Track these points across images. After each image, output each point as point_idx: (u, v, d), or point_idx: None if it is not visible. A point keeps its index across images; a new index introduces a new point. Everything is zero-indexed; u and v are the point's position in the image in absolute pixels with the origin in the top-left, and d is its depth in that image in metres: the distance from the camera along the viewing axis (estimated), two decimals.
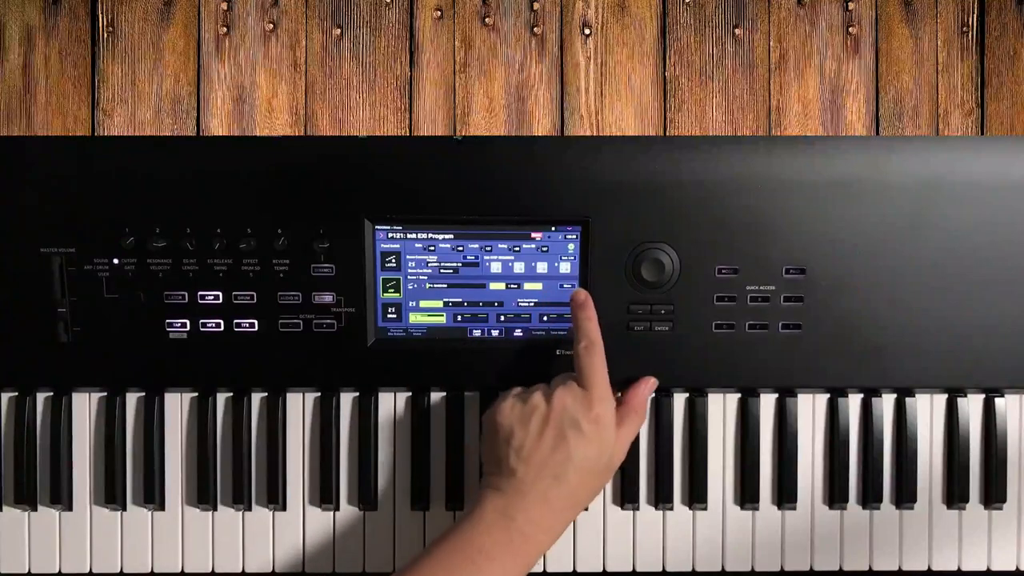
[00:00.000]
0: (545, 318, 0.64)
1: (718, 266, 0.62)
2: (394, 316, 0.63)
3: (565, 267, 0.63)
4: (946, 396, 0.65)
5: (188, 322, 0.62)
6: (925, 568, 0.65)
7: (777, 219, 0.61)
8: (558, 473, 0.55)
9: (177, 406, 0.65)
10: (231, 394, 0.65)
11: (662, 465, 0.64)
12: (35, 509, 0.64)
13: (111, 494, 0.64)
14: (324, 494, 0.64)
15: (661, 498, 0.64)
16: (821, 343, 0.62)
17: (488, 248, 0.63)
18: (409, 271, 0.63)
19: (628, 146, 0.62)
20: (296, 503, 0.64)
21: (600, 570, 0.65)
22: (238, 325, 0.62)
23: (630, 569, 0.65)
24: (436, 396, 0.65)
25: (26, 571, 0.64)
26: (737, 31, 0.74)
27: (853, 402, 0.65)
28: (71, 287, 0.62)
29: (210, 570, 0.64)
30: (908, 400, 0.64)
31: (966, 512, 0.65)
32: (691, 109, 0.74)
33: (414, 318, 0.64)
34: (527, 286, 0.63)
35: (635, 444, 0.64)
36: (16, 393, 0.64)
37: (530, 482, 0.55)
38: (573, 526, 0.64)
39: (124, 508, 0.64)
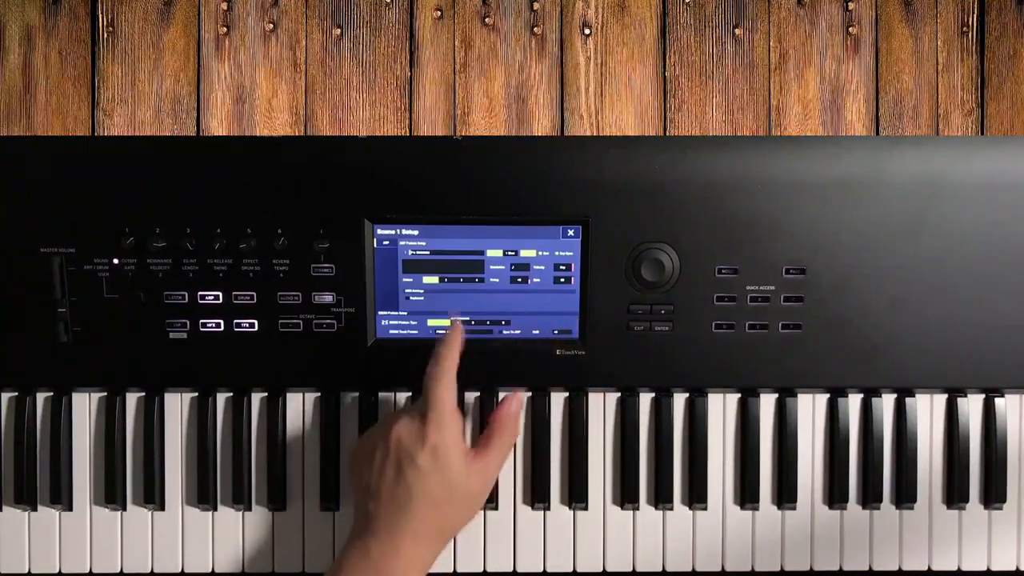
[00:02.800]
0: (545, 318, 0.64)
1: (718, 266, 0.62)
2: (394, 316, 0.63)
3: (565, 267, 0.63)
4: (946, 396, 0.65)
5: (188, 322, 0.62)
6: (925, 568, 0.65)
7: (777, 219, 0.61)
8: (403, 505, 0.55)
9: (177, 406, 0.65)
10: (231, 394, 0.65)
11: (662, 465, 0.64)
12: (35, 509, 0.64)
13: (111, 494, 0.64)
14: (324, 495, 0.64)
15: (661, 498, 0.64)
16: (821, 343, 0.62)
17: (488, 248, 0.63)
18: (409, 271, 0.63)
19: (628, 146, 0.62)
20: (296, 503, 0.64)
21: (600, 570, 0.65)
22: (238, 325, 0.62)
23: (630, 569, 0.65)
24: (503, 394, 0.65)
25: (26, 571, 0.64)
26: (737, 31, 0.74)
27: (853, 402, 0.65)
28: (71, 287, 0.62)
29: (210, 570, 0.64)
30: (908, 400, 0.64)
31: (966, 512, 0.65)
32: (691, 109, 0.74)
33: (414, 318, 0.64)
34: (527, 286, 0.63)
35: (635, 444, 0.64)
36: (16, 393, 0.64)
37: (381, 517, 0.55)
38: (573, 526, 0.64)
39: (124, 508, 0.64)
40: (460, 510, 0.57)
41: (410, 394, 0.65)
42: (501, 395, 0.65)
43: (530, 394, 0.65)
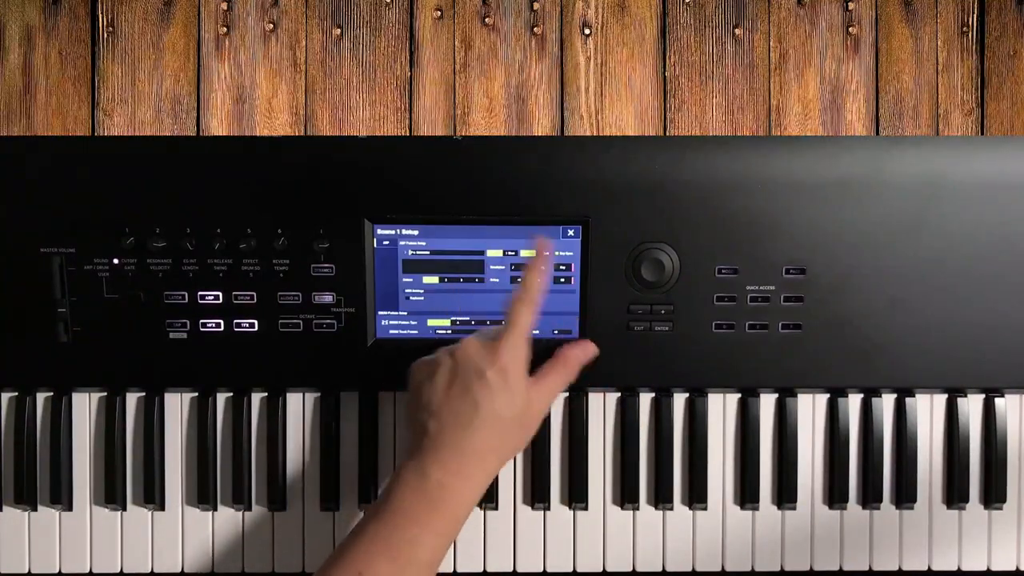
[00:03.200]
0: (545, 318, 0.64)
1: (718, 266, 0.62)
2: (394, 316, 0.63)
3: (565, 267, 0.63)
4: (946, 396, 0.65)
5: (188, 322, 0.62)
6: (925, 568, 0.65)
7: (777, 219, 0.61)
8: (467, 423, 0.54)
9: (177, 406, 0.65)
10: (231, 394, 0.65)
11: (662, 465, 0.64)
12: (35, 509, 0.64)
13: (111, 494, 0.64)
14: (324, 495, 0.64)
15: (661, 498, 0.64)
16: (821, 343, 0.62)
17: (488, 248, 0.63)
18: (409, 271, 0.63)
19: (628, 146, 0.62)
20: (296, 503, 0.64)
21: (600, 570, 0.65)
22: (238, 325, 0.62)
23: (630, 569, 0.65)
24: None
25: (26, 571, 0.64)
26: (737, 31, 0.74)
27: (853, 402, 0.65)
28: (71, 287, 0.62)
29: (210, 570, 0.64)
30: (908, 400, 0.64)
31: (966, 512, 0.65)
32: (691, 109, 0.74)
33: (414, 318, 0.64)
34: None
35: (635, 444, 0.64)
36: (16, 393, 0.64)
37: (441, 435, 0.55)
38: (573, 526, 0.65)
39: (124, 508, 0.64)
40: (519, 432, 0.57)
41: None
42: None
43: None
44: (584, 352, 0.61)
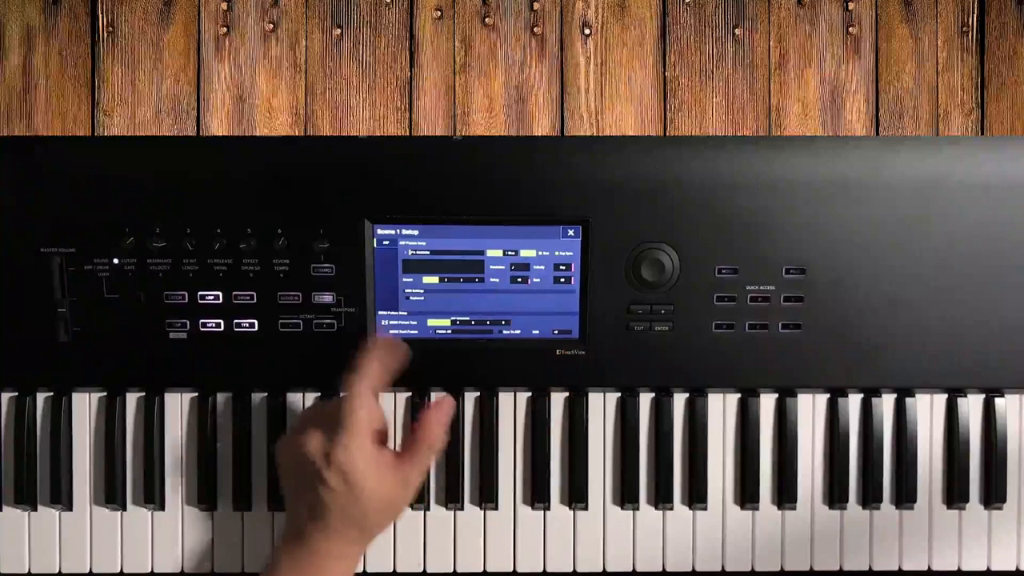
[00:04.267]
0: (545, 318, 0.64)
1: (718, 266, 0.62)
2: (394, 316, 0.63)
3: (565, 267, 0.63)
4: (946, 396, 0.65)
5: (188, 322, 0.62)
6: (925, 568, 0.65)
7: (777, 219, 0.61)
8: (320, 516, 0.54)
9: (177, 406, 0.65)
10: (231, 394, 0.65)
11: (662, 465, 0.64)
12: (35, 509, 0.64)
13: (111, 494, 0.64)
14: None
15: (661, 498, 0.64)
16: (821, 343, 0.62)
17: (488, 248, 0.63)
18: (409, 271, 0.63)
19: (628, 146, 0.62)
20: None
21: (600, 570, 0.65)
22: (238, 325, 0.62)
23: (630, 569, 0.65)
24: (436, 396, 0.65)
25: (26, 571, 0.64)
26: (737, 31, 0.74)
27: (853, 402, 0.65)
28: (71, 287, 0.62)
29: (210, 570, 0.64)
30: (908, 400, 0.64)
31: (966, 512, 0.65)
32: (691, 109, 0.74)
33: (414, 318, 0.64)
34: (527, 286, 0.63)
35: (635, 444, 0.64)
36: (16, 393, 0.64)
37: (305, 527, 0.55)
38: (573, 526, 0.65)
39: (124, 508, 0.64)
40: (379, 517, 0.56)
41: (410, 394, 0.65)
42: (501, 395, 0.65)
43: (530, 394, 0.65)
44: (443, 413, 0.56)
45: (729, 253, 0.62)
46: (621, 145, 0.62)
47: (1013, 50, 0.74)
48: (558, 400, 0.65)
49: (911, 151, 0.61)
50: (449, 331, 0.64)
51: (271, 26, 0.74)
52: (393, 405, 0.65)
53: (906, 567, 0.65)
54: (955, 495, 0.64)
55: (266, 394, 0.64)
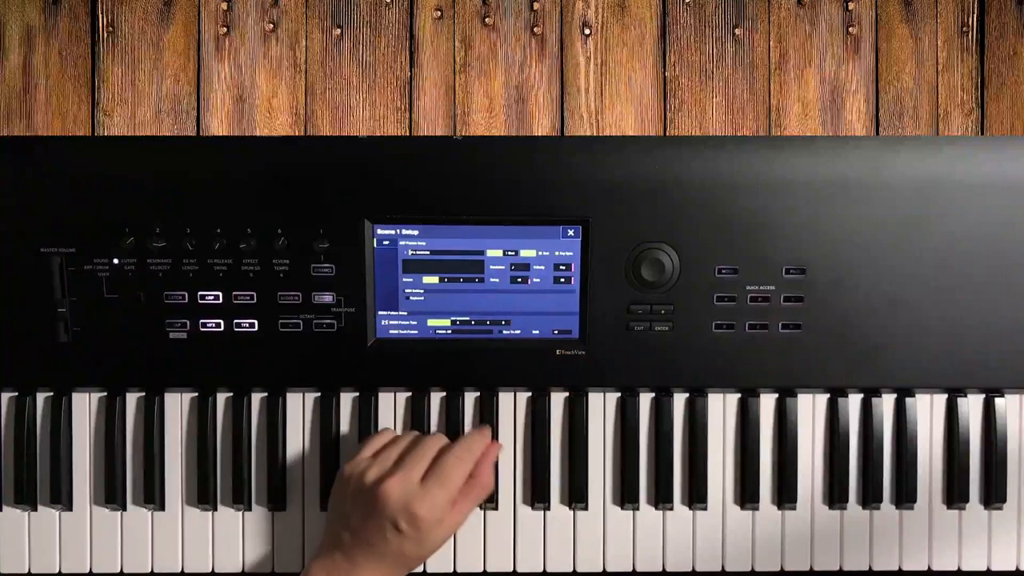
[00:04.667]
0: (545, 318, 0.64)
1: (718, 266, 0.62)
2: (394, 316, 0.63)
3: (565, 267, 0.63)
4: (946, 396, 0.65)
5: (188, 322, 0.62)
6: (925, 568, 0.65)
7: (777, 219, 0.61)
8: (377, 553, 0.56)
9: (177, 406, 0.65)
10: (231, 394, 0.65)
11: (662, 465, 0.64)
12: (35, 509, 0.64)
13: (111, 494, 0.64)
14: (325, 495, 0.64)
15: (661, 498, 0.64)
16: (821, 343, 0.62)
17: (488, 248, 0.63)
18: (409, 271, 0.63)
19: (628, 146, 0.62)
20: (296, 503, 0.64)
21: (600, 570, 0.65)
22: (238, 325, 0.62)
23: (630, 569, 0.65)
24: (436, 396, 0.65)
25: (26, 571, 0.64)
26: (737, 31, 0.74)
27: (853, 402, 0.65)
28: (71, 287, 0.62)
29: (210, 570, 0.64)
30: (908, 400, 0.64)
31: (966, 512, 0.65)
32: (691, 109, 0.74)
33: (414, 318, 0.64)
34: (527, 286, 0.63)
35: (635, 444, 0.64)
36: (16, 393, 0.64)
37: (353, 551, 0.57)
38: (573, 526, 0.65)
39: (124, 508, 0.64)
40: (426, 556, 0.59)
41: (410, 394, 0.65)
42: (501, 395, 0.65)
43: (530, 394, 0.65)
44: (492, 456, 0.62)
45: (729, 253, 0.62)
46: (621, 145, 0.62)
47: (1013, 50, 0.74)
48: (558, 400, 0.65)
49: (911, 151, 0.61)
50: (449, 331, 0.64)
51: (271, 26, 0.74)
52: (393, 405, 0.65)
53: (906, 567, 0.65)
54: (955, 495, 0.64)
55: (266, 394, 0.64)
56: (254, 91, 0.74)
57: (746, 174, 0.61)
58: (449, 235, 0.62)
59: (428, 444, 0.59)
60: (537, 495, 0.64)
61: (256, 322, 0.62)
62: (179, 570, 0.64)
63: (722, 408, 0.65)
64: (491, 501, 0.64)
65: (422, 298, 0.63)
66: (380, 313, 0.63)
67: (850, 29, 0.74)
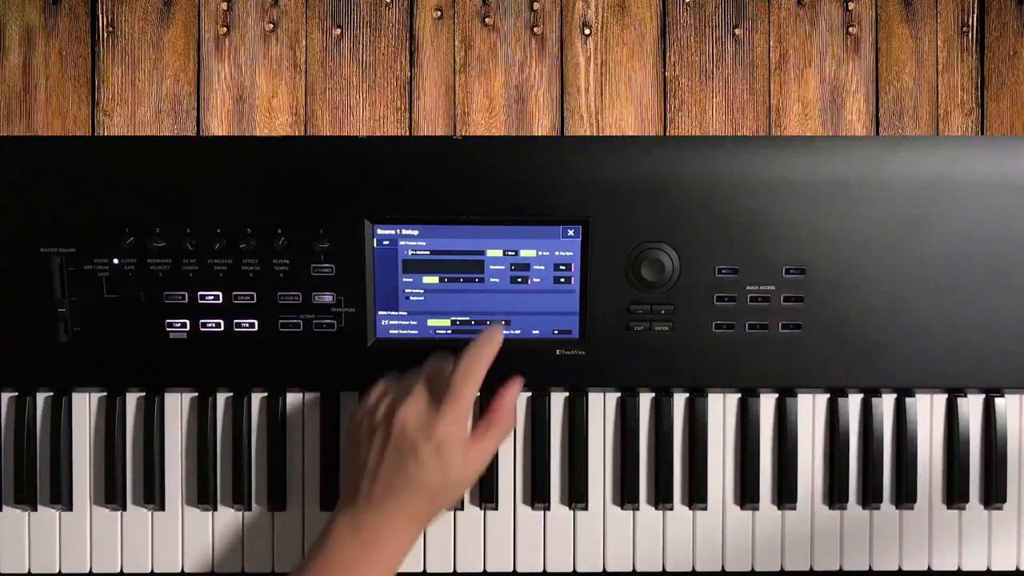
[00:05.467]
0: (545, 318, 0.64)
1: (718, 266, 0.62)
2: (394, 316, 0.63)
3: (565, 267, 0.63)
4: (946, 396, 0.65)
5: (188, 322, 0.62)
6: (925, 568, 0.65)
7: (777, 219, 0.61)
8: (400, 490, 0.55)
9: (177, 406, 0.65)
10: (231, 394, 0.65)
11: (662, 465, 0.64)
12: (35, 509, 0.64)
13: (111, 494, 0.64)
14: (324, 495, 0.64)
15: (661, 498, 0.64)
16: (821, 343, 0.62)
17: (488, 248, 0.63)
18: (409, 271, 0.63)
19: (628, 146, 0.62)
20: (296, 503, 0.64)
21: (600, 570, 0.65)
22: (238, 325, 0.62)
23: (630, 569, 0.65)
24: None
25: (26, 571, 0.64)
26: (737, 31, 0.74)
27: (853, 402, 0.65)
28: (71, 287, 0.62)
29: (210, 570, 0.64)
30: (908, 400, 0.64)
31: (966, 512, 0.65)
32: (691, 109, 0.74)
33: (414, 318, 0.64)
34: (527, 286, 0.63)
35: (635, 444, 0.64)
36: (16, 393, 0.64)
37: (376, 497, 0.55)
38: (573, 526, 0.65)
39: (124, 508, 0.64)
40: (454, 493, 0.58)
41: None
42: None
43: (530, 394, 0.65)
44: (514, 393, 0.60)
45: (729, 253, 0.62)
46: (621, 145, 0.62)
47: (1013, 50, 0.74)
48: (558, 400, 0.65)
49: (911, 151, 0.61)
50: (449, 331, 0.64)
51: (271, 26, 0.74)
52: None
53: (906, 567, 0.65)
54: (955, 495, 0.64)
55: (266, 394, 0.64)
56: (254, 91, 0.74)
57: (746, 174, 0.61)
58: (449, 235, 0.62)
59: (432, 368, 0.59)
60: (537, 495, 0.64)
61: (256, 322, 0.62)
62: (179, 570, 0.64)
63: (722, 408, 0.65)
64: (491, 501, 0.64)
65: (422, 298, 0.63)
66: (380, 313, 0.63)
67: (850, 29, 0.74)
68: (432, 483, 0.55)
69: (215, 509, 0.64)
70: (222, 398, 0.65)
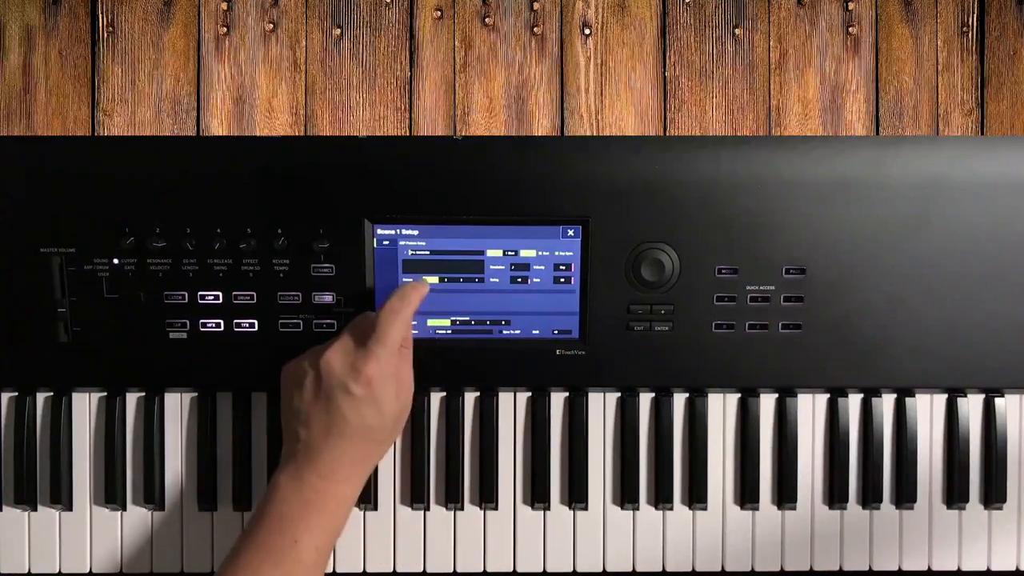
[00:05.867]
0: (545, 318, 0.64)
1: (718, 266, 0.62)
2: None
3: (565, 267, 0.63)
4: (946, 396, 0.65)
5: (188, 322, 0.62)
6: (925, 568, 0.65)
7: (777, 219, 0.61)
8: (337, 433, 0.55)
9: (177, 406, 0.65)
10: (231, 394, 0.65)
11: (662, 465, 0.64)
12: (35, 509, 0.64)
13: (111, 494, 0.64)
14: None
15: (661, 498, 0.64)
16: (821, 343, 0.62)
17: (488, 248, 0.63)
18: (409, 271, 0.63)
19: (628, 146, 0.62)
20: None
21: (600, 570, 0.65)
22: (238, 325, 0.62)
23: (630, 569, 0.65)
24: (436, 396, 0.65)
25: (26, 571, 0.64)
26: (737, 31, 0.74)
27: (853, 402, 0.65)
28: (71, 287, 0.62)
29: (210, 570, 0.64)
30: (908, 400, 0.64)
31: (966, 512, 0.65)
32: (691, 109, 0.74)
33: (414, 318, 0.63)
34: (527, 286, 0.63)
35: (635, 444, 0.64)
36: (16, 393, 0.64)
37: (313, 442, 0.56)
38: (573, 526, 0.65)
39: (124, 508, 0.64)
40: (392, 430, 0.58)
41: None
42: (501, 395, 0.65)
43: (530, 394, 0.65)
44: (397, 297, 0.58)
45: (729, 253, 0.62)
46: (621, 145, 0.62)
47: (1013, 50, 0.74)
48: (558, 400, 0.65)
49: (911, 151, 0.61)
50: (449, 331, 0.64)
51: (271, 26, 0.74)
52: None
53: (906, 567, 0.65)
54: (955, 495, 0.64)
55: (266, 394, 0.64)
56: (254, 91, 0.74)
57: (746, 174, 0.61)
58: (449, 235, 0.62)
59: (357, 320, 0.59)
60: (537, 495, 0.64)
61: (256, 322, 0.62)
62: (179, 570, 0.64)
63: (722, 408, 0.65)
64: (491, 501, 0.64)
65: None
66: None
67: (850, 29, 0.74)
68: (367, 420, 0.55)
69: (215, 509, 0.64)
70: (222, 398, 0.65)
